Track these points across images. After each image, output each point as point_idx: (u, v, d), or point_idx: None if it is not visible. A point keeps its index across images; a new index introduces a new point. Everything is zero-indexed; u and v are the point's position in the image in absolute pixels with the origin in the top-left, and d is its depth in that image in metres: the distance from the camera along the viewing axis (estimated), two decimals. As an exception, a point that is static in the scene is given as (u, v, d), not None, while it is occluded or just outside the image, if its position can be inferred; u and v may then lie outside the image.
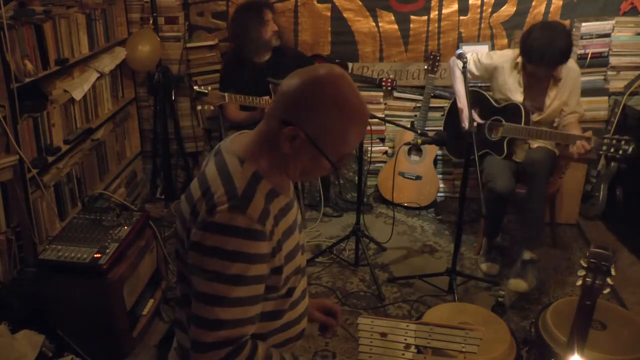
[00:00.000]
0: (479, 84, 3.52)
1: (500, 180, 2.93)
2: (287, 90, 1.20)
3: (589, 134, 2.74)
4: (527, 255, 2.95)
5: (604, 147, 2.70)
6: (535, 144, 3.13)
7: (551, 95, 3.03)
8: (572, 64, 3.03)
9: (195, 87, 3.09)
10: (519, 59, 3.00)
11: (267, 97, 3.22)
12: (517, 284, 2.70)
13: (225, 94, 3.10)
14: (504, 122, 3.05)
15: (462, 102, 3.09)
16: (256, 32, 3.35)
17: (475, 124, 3.09)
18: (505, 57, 3.09)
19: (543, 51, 2.78)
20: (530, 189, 2.98)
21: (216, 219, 1.14)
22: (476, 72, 3.19)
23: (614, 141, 2.67)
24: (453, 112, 3.43)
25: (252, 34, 3.34)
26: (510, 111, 3.06)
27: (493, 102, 3.17)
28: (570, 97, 3.04)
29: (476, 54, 3.20)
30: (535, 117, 3.07)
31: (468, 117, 2.76)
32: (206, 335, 1.16)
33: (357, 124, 1.22)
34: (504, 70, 3.08)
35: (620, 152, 2.65)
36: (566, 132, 2.87)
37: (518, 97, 3.05)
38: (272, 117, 1.22)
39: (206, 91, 3.05)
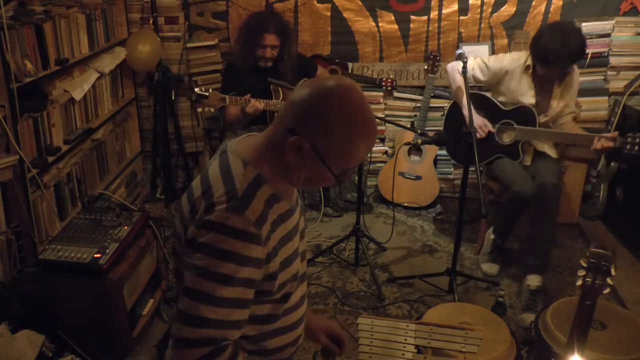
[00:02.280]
0: (479, 86, 3.49)
1: (524, 184, 2.88)
2: (297, 99, 1.19)
3: (614, 134, 2.75)
4: (533, 282, 2.85)
5: (628, 146, 2.72)
6: (540, 147, 3.11)
7: (556, 96, 3.02)
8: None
9: (196, 89, 3.08)
10: (529, 62, 2.96)
11: (248, 96, 3.20)
12: (530, 318, 2.68)
13: (226, 97, 3.10)
14: (515, 126, 3.03)
15: (466, 107, 3.04)
16: (247, 47, 3.30)
17: (487, 130, 3.08)
18: (516, 62, 3.03)
19: (558, 53, 2.75)
20: (540, 216, 2.88)
21: (213, 217, 1.14)
22: (482, 77, 3.12)
23: (637, 139, 2.69)
24: (452, 117, 3.42)
25: (243, 46, 3.32)
26: (521, 114, 3.03)
27: (500, 106, 3.12)
28: (571, 98, 3.05)
29: (480, 58, 3.14)
30: (541, 119, 3.04)
31: (469, 118, 2.74)
32: (187, 331, 1.15)
33: (365, 139, 1.20)
34: (514, 75, 3.03)
35: None
36: (587, 133, 2.86)
37: (530, 99, 3.02)
38: (280, 124, 1.21)
39: (207, 94, 3.05)
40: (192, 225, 1.18)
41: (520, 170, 3.01)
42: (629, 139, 2.72)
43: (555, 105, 3.03)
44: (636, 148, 2.71)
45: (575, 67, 3.03)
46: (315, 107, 1.17)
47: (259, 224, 1.16)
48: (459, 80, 3.12)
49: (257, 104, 3.17)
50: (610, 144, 2.73)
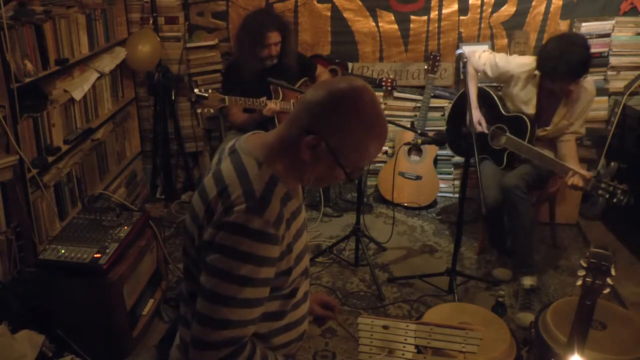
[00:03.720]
0: (488, 84, 3.46)
1: (491, 194, 2.90)
2: (313, 100, 1.23)
3: (589, 175, 2.67)
4: (527, 282, 2.87)
5: (600, 192, 2.63)
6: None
7: (560, 113, 2.95)
8: (589, 85, 2.93)
9: (195, 90, 3.07)
10: (537, 72, 2.90)
11: (264, 98, 3.21)
12: (526, 317, 2.70)
13: (226, 97, 3.10)
14: (507, 133, 3.02)
15: (473, 103, 3.00)
16: (252, 51, 3.27)
17: (480, 127, 3.08)
18: (523, 67, 2.97)
19: (558, 64, 2.68)
20: (509, 218, 2.93)
21: (232, 218, 1.15)
22: (490, 75, 3.09)
23: (611, 188, 2.60)
24: (456, 110, 3.41)
25: (247, 51, 3.28)
26: (517, 122, 3.01)
27: (501, 109, 3.10)
28: (578, 119, 2.96)
29: (493, 54, 3.09)
30: (539, 132, 3.00)
31: (469, 117, 2.73)
32: (210, 333, 1.17)
33: (377, 138, 1.25)
34: (519, 81, 2.98)
35: (615, 200, 2.58)
36: (566, 165, 2.77)
37: (530, 110, 2.98)
38: (294, 124, 1.24)
39: (206, 94, 3.05)
40: (209, 227, 1.19)
41: (494, 179, 2.99)
42: (603, 185, 2.62)
43: (557, 121, 2.97)
44: (607, 196, 2.61)
45: (589, 88, 2.93)
46: (330, 107, 1.21)
47: (277, 224, 1.18)
48: (470, 73, 3.08)
49: (273, 106, 3.17)
50: (581, 184, 2.65)
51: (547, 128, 3.01)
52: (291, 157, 1.25)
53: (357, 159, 1.25)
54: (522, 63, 3.00)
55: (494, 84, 3.44)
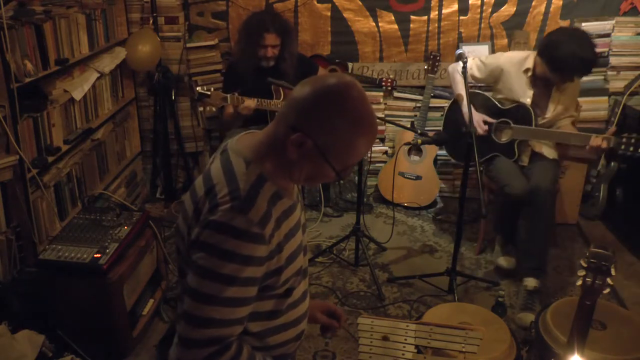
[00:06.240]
0: (479, 85, 3.49)
1: (517, 183, 2.88)
2: (299, 97, 1.20)
3: (612, 130, 2.74)
4: (530, 283, 2.85)
5: (623, 147, 2.70)
6: (537, 148, 3.10)
7: (555, 99, 3.00)
8: None
9: (197, 88, 3.08)
10: (529, 65, 2.95)
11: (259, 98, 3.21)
12: (527, 317, 2.70)
13: (228, 96, 3.10)
14: (512, 124, 3.04)
15: (466, 105, 3.04)
16: (249, 48, 3.30)
17: (486, 127, 3.09)
18: (512, 60, 3.02)
19: (573, 63, 2.73)
20: (533, 219, 2.88)
21: (217, 217, 1.15)
22: (479, 75, 3.13)
23: (633, 140, 2.67)
24: (452, 115, 3.42)
25: (244, 47, 3.32)
26: (518, 113, 3.03)
27: (498, 104, 3.12)
28: (572, 102, 3.03)
29: (477, 57, 3.16)
30: (538, 121, 3.03)
31: (468, 117, 2.74)
32: (193, 332, 1.16)
33: (366, 136, 1.21)
34: (510, 74, 3.02)
35: None
36: (581, 133, 2.82)
37: (526, 100, 3.01)
38: (282, 121, 1.22)
39: (209, 92, 3.05)
40: (196, 226, 1.19)
41: (514, 171, 3.00)
42: (624, 139, 2.71)
43: (553, 108, 3.02)
44: (631, 149, 2.69)
45: None
46: (316, 104, 1.18)
47: (263, 224, 1.16)
48: (458, 80, 3.12)
49: (249, 103, 3.17)
50: (605, 144, 2.72)
51: (546, 116, 3.04)
52: (279, 155, 1.22)
53: (345, 157, 1.21)
54: (510, 57, 3.07)
55: (482, 85, 3.47)
